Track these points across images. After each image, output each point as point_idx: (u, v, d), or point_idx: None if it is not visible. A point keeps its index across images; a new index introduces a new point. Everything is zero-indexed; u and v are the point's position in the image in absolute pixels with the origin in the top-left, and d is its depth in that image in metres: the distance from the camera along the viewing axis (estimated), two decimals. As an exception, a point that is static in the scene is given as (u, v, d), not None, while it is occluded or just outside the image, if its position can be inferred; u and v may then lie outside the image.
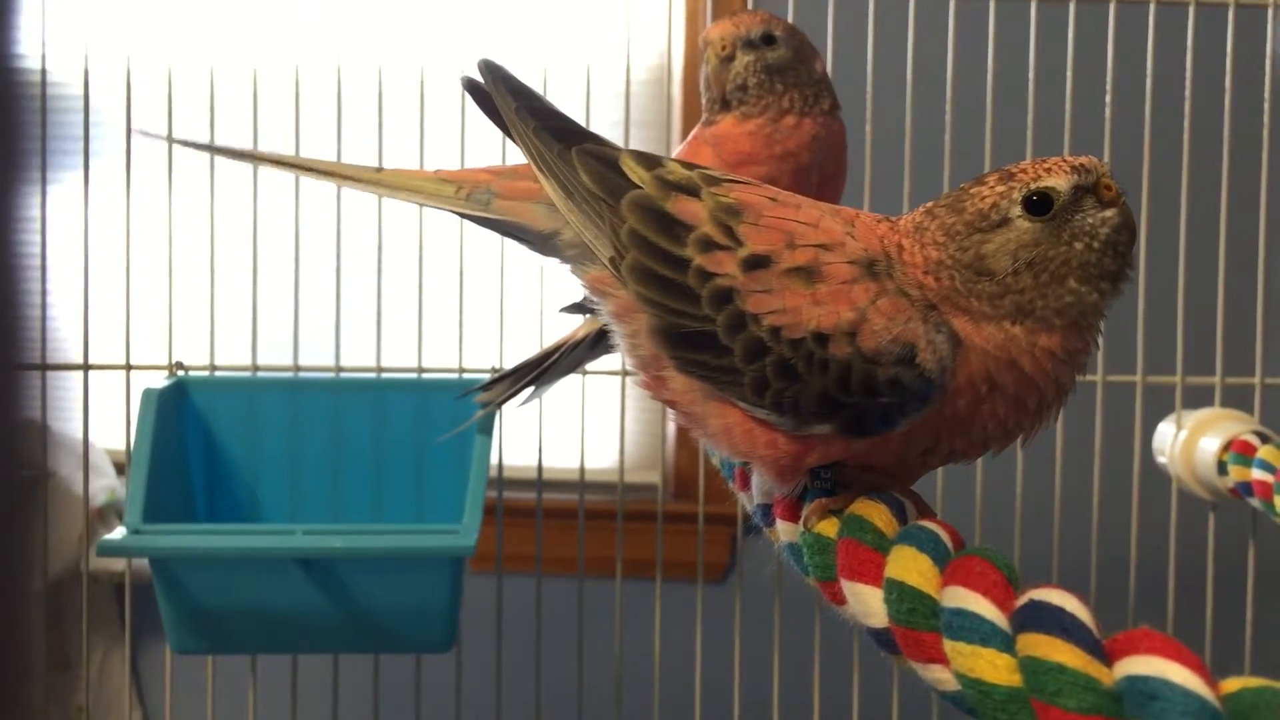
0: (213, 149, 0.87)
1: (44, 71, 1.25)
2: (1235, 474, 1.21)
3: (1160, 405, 1.33)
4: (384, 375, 1.29)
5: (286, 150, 1.22)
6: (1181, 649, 0.40)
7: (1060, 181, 0.60)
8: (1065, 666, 0.42)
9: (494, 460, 1.20)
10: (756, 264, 0.62)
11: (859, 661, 1.33)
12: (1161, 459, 1.33)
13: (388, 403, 1.26)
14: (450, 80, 1.31)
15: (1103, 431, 1.31)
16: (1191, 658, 0.40)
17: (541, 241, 0.74)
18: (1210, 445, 1.26)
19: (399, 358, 1.31)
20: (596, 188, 0.67)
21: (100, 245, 1.26)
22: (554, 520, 1.43)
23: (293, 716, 1.31)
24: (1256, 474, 1.16)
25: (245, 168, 1.27)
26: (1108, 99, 1.29)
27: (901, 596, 0.51)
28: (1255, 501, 1.17)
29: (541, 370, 1.08)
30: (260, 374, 1.29)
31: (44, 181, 1.20)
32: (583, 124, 0.73)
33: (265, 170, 0.84)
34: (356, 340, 1.36)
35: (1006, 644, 0.45)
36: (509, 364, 1.16)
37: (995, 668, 0.45)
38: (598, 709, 1.38)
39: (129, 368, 1.26)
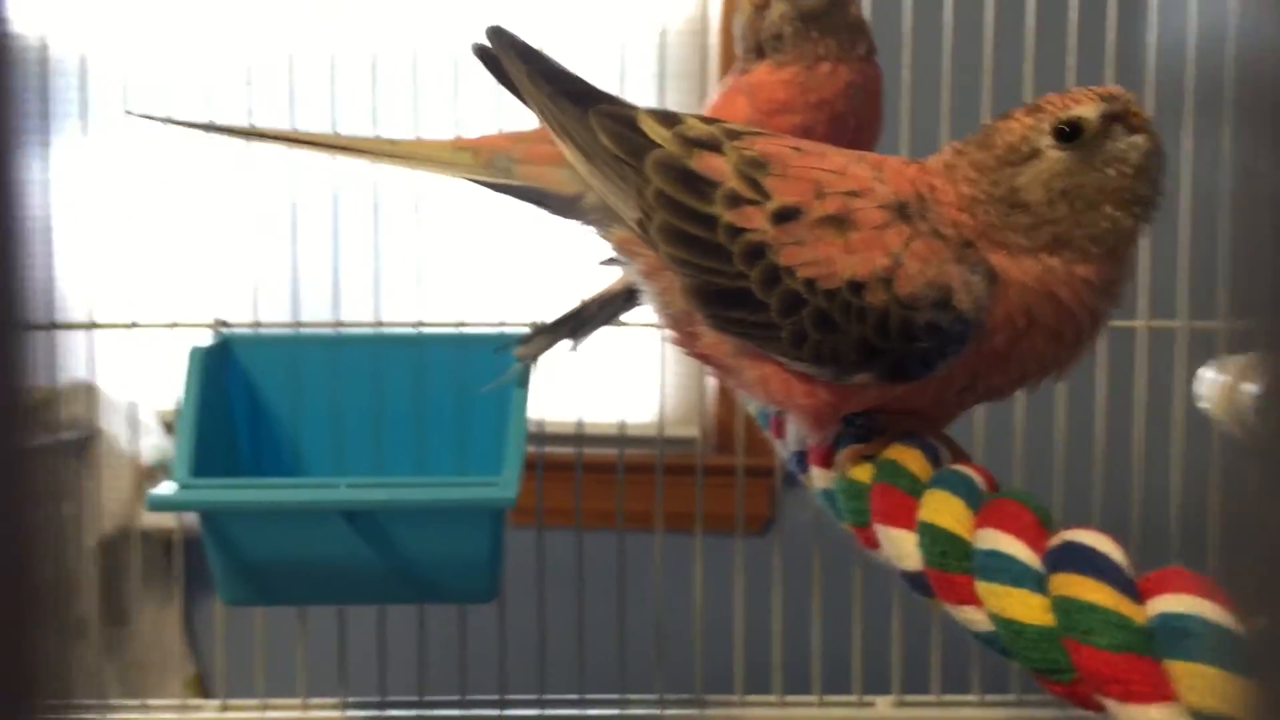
0: (215, 128, 0.87)
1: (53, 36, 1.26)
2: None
3: (1206, 351, 1.31)
4: (424, 329, 1.30)
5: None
6: (1212, 586, 0.41)
7: (1089, 110, 0.60)
8: (1097, 605, 0.42)
9: (533, 415, 1.21)
10: (786, 216, 0.62)
11: (899, 613, 1.33)
12: (1204, 404, 1.31)
13: (428, 357, 1.27)
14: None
15: (1147, 376, 1.30)
16: (1222, 595, 0.40)
17: (566, 206, 0.74)
18: (1252, 389, 1.24)
19: (439, 312, 1.32)
20: (618, 149, 0.67)
21: (139, 206, 1.27)
22: (594, 474, 1.44)
23: (340, 667, 1.34)
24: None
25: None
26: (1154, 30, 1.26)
27: (935, 539, 0.51)
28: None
29: (580, 323, 1.09)
30: (302, 330, 1.30)
31: (83, 140, 1.21)
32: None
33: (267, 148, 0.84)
34: (396, 294, 1.37)
35: (1039, 584, 0.46)
36: (549, 318, 1.16)
37: (1029, 607, 0.45)
38: (639, 661, 1.39)
39: (173, 325, 1.28)
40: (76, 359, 1.31)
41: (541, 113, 0.71)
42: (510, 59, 0.73)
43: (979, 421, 1.31)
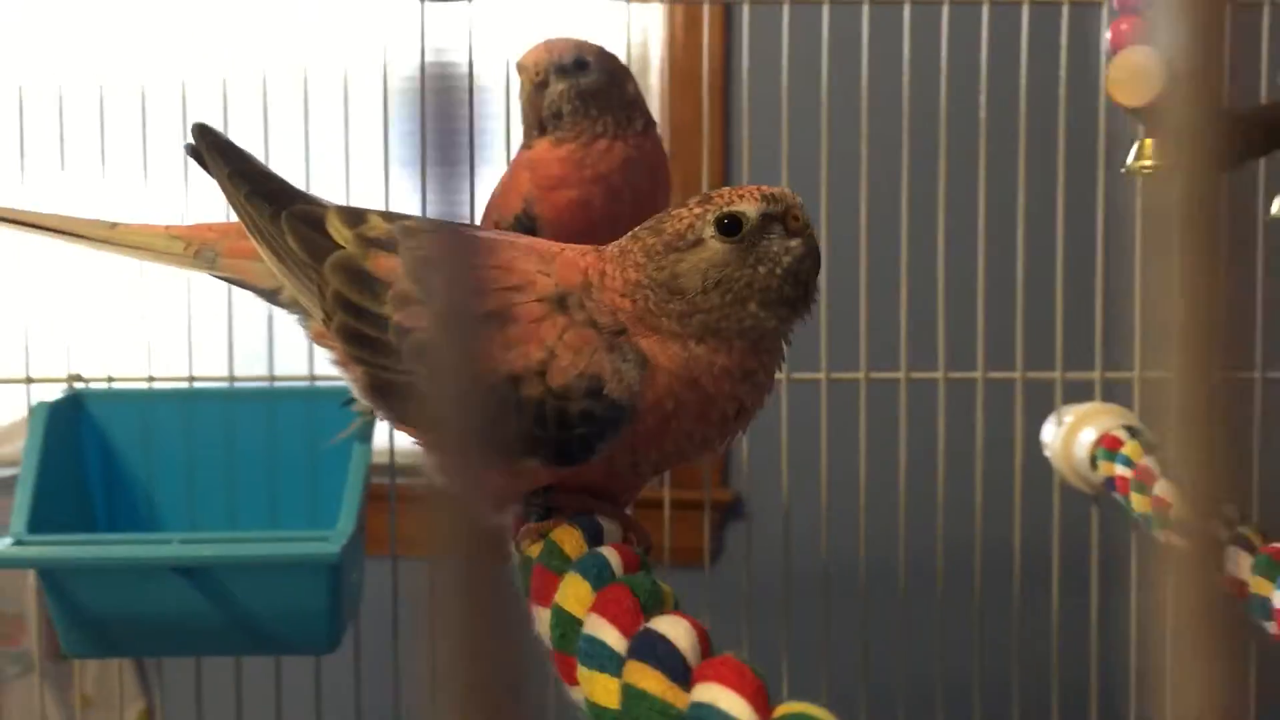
0: None
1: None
2: (1103, 469, 1.22)
3: (1046, 402, 1.34)
4: (276, 384, 1.33)
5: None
6: (746, 675, 0.43)
7: (750, 207, 0.63)
8: (647, 693, 0.45)
9: (388, 446, 1.24)
10: None
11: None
12: (1048, 453, 1.35)
13: (280, 410, 1.30)
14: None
15: (984, 427, 1.33)
16: (752, 684, 0.43)
17: (267, 297, 0.77)
18: (1086, 439, 1.27)
19: (291, 365, 1.34)
20: (302, 252, 0.70)
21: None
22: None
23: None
24: (1119, 469, 1.18)
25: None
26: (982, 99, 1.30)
27: (558, 621, 0.54)
28: (1118, 496, 1.19)
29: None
30: (155, 384, 1.32)
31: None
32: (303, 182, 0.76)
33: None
34: (248, 349, 1.39)
35: (619, 669, 0.48)
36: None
37: (609, 692, 0.48)
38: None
39: (29, 381, 1.30)
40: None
41: (239, 212, 0.74)
42: (213, 158, 0.76)
43: (823, 471, 1.33)
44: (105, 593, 1.14)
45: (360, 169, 1.35)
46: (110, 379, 1.31)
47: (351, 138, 1.35)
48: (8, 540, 1.13)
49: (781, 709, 0.42)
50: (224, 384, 1.33)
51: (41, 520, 1.16)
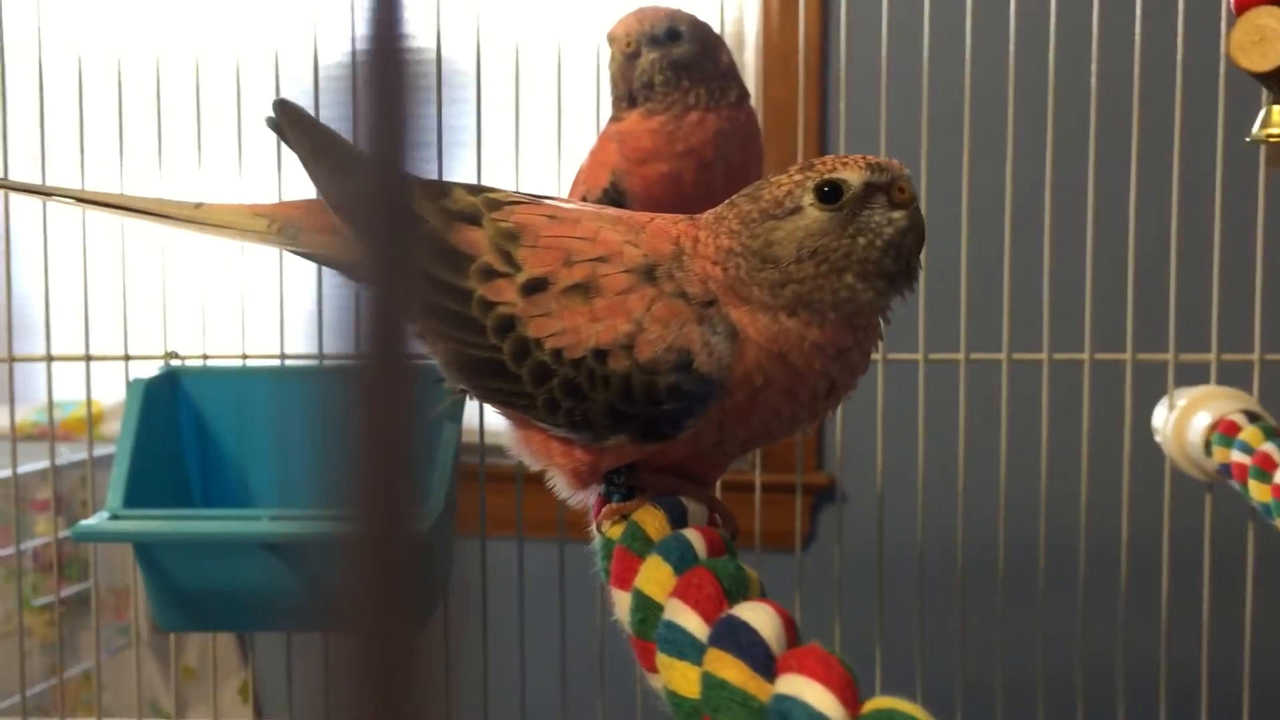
0: (6, 185, 0.90)
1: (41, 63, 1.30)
2: (1218, 455, 1.16)
3: (1157, 385, 1.28)
4: (366, 362, 1.33)
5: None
6: (833, 666, 0.40)
7: (853, 175, 0.60)
8: (728, 683, 0.42)
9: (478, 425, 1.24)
10: (535, 287, 0.63)
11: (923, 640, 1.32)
12: (1159, 438, 1.28)
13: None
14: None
15: (1091, 412, 1.28)
16: (840, 676, 0.40)
17: (349, 272, 0.76)
18: (1200, 423, 1.21)
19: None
20: None
21: (95, 239, 1.32)
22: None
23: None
24: (1236, 456, 1.12)
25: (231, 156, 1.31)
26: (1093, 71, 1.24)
27: (638, 605, 0.52)
28: (1234, 484, 1.13)
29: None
30: (248, 362, 1.33)
31: (43, 169, 1.26)
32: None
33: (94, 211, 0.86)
34: (340, 325, 1.39)
35: (700, 657, 0.46)
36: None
37: (688, 681, 0.45)
38: (581, 683, 1.39)
39: (127, 358, 1.32)
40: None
41: (320, 187, 0.73)
42: (293, 133, 0.75)
43: (919, 456, 1.29)
44: (196, 567, 1.15)
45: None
46: (205, 356, 1.32)
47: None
48: (104, 514, 1.14)
49: (871, 704, 0.39)
50: (314, 361, 1.34)
51: (138, 495, 1.18)
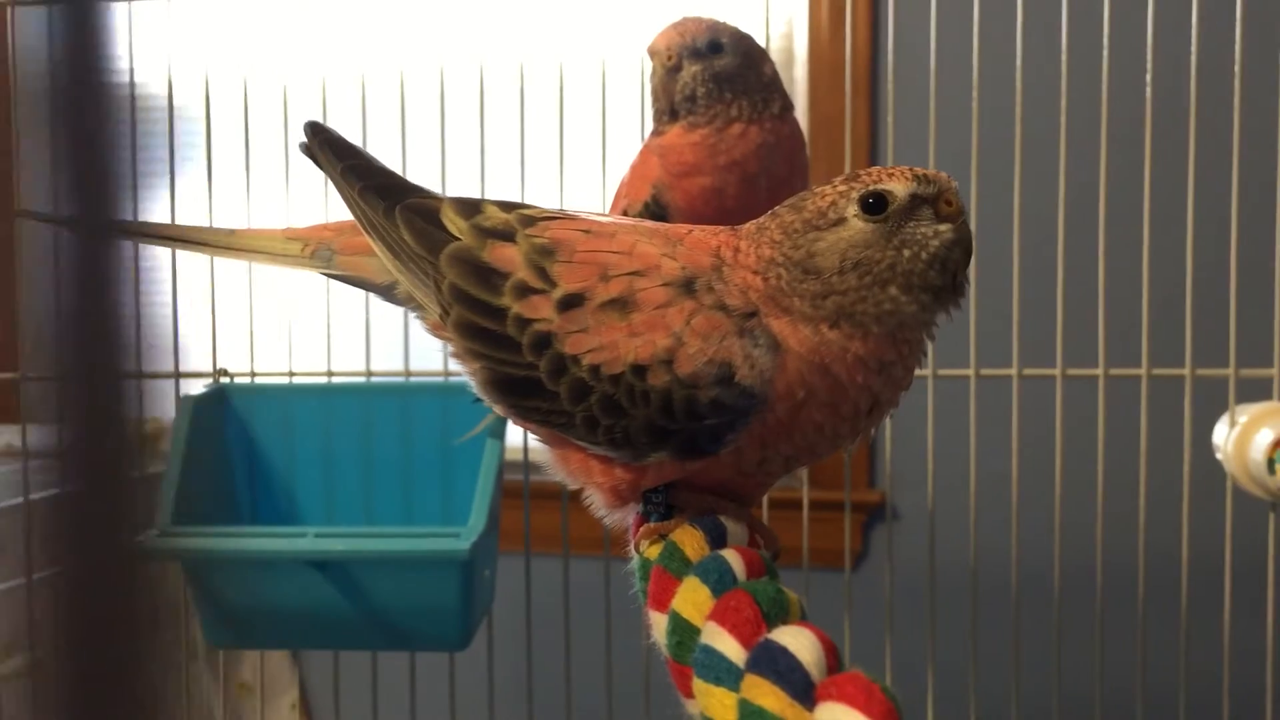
0: (34, 216, 0.91)
1: (132, 83, 1.32)
2: (1282, 473, 1.13)
3: (1218, 401, 1.25)
4: (411, 379, 1.33)
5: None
6: (874, 695, 0.39)
7: (898, 186, 0.58)
8: (765, 711, 0.41)
9: (522, 443, 1.23)
10: (571, 303, 0.62)
11: (976, 657, 1.30)
12: (1220, 455, 1.25)
13: (414, 406, 1.30)
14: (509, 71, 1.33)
15: (1149, 428, 1.24)
16: (881, 705, 0.39)
17: (383, 293, 0.76)
18: (1263, 440, 1.18)
19: (426, 360, 1.34)
20: (418, 245, 0.68)
21: (146, 259, 1.33)
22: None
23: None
24: (1301, 474, 1.09)
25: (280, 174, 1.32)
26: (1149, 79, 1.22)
27: (675, 628, 0.50)
28: (1299, 503, 1.09)
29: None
30: (295, 379, 1.34)
31: (135, 194, 1.27)
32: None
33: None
34: (385, 345, 1.40)
35: (738, 683, 0.44)
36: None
37: (725, 707, 0.44)
38: (628, 698, 1.38)
39: (178, 376, 1.33)
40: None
41: (353, 209, 0.73)
42: (325, 156, 0.75)
43: (971, 474, 1.26)
44: (243, 584, 1.15)
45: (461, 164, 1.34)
46: (254, 374, 1.33)
47: (447, 133, 1.34)
48: (153, 531, 1.15)
49: (911, 734, 0.37)
50: (361, 379, 1.34)
51: (187, 512, 1.18)
